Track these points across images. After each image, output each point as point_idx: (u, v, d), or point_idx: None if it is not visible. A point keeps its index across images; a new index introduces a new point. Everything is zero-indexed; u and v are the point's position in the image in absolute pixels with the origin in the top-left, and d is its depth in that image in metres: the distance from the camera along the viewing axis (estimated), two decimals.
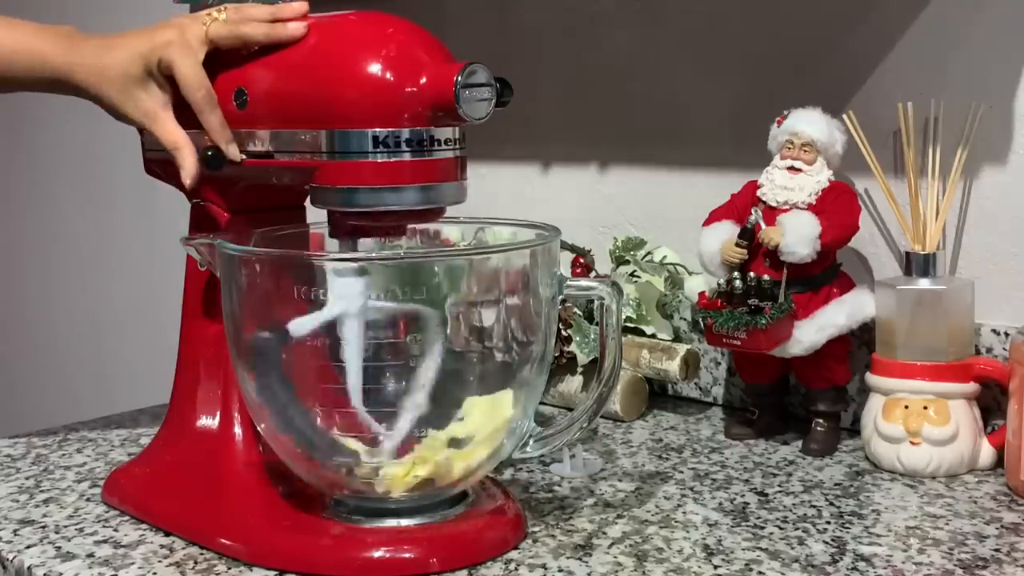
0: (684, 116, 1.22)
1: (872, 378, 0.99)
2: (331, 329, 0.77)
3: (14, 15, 0.93)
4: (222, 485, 0.85)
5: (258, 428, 0.83)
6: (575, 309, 1.16)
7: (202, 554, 0.82)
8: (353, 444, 0.78)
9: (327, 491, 0.83)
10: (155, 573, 0.79)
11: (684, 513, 0.88)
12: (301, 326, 0.77)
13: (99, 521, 0.90)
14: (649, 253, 1.21)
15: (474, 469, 0.81)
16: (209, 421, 0.88)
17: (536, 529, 0.85)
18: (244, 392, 0.82)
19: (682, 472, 0.98)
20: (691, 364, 1.13)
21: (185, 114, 0.85)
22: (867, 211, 1.07)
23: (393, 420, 0.78)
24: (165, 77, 0.85)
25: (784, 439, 1.06)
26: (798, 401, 1.10)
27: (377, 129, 0.76)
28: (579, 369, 1.16)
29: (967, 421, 0.96)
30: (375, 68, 0.76)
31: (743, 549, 0.81)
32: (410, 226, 0.84)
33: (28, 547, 0.84)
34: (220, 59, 0.85)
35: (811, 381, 1.04)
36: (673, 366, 1.12)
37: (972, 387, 0.97)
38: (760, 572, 0.77)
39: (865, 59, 1.08)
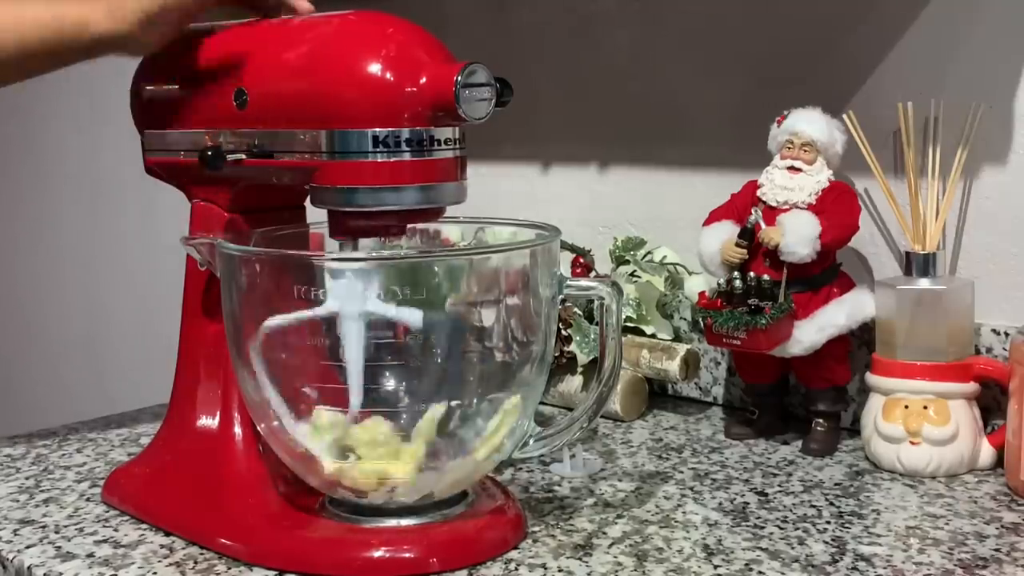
0: (684, 116, 1.22)
1: (872, 378, 0.99)
2: (331, 329, 0.77)
3: None
4: (222, 485, 0.85)
5: (258, 428, 0.83)
6: (575, 309, 1.16)
7: (202, 554, 0.82)
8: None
9: (326, 491, 0.83)
10: (155, 573, 0.79)
11: (684, 513, 0.88)
12: (275, 322, 0.77)
13: (99, 521, 0.90)
14: (649, 253, 1.21)
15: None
16: (209, 421, 0.88)
17: (536, 529, 0.85)
18: (244, 392, 0.82)
19: (682, 472, 0.98)
20: (691, 364, 1.13)
21: (183, 115, 0.85)
22: (867, 211, 1.08)
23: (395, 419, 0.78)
24: None
25: (784, 439, 1.06)
26: (798, 401, 1.10)
27: (377, 129, 0.76)
28: (579, 369, 1.16)
29: (967, 421, 0.96)
30: (375, 68, 0.76)
31: (743, 549, 0.81)
32: (410, 226, 0.84)
33: (28, 547, 0.84)
34: (220, 59, 0.85)
35: (811, 381, 1.04)
36: (673, 366, 1.12)
37: (972, 387, 0.97)
38: (760, 572, 0.77)
39: (865, 59, 1.08)
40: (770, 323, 0.97)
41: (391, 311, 0.76)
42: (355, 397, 0.77)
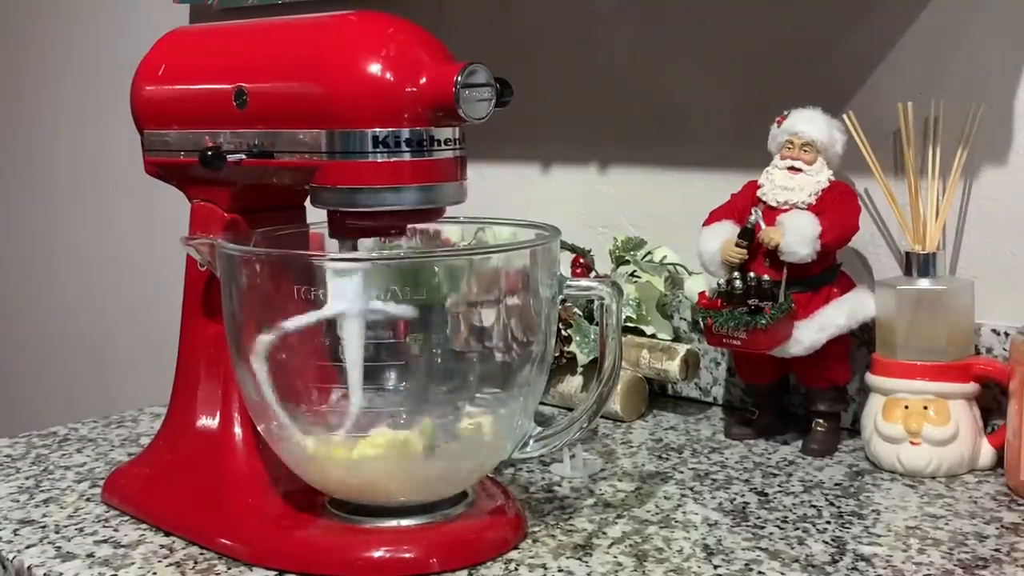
0: (684, 116, 1.22)
1: (872, 378, 0.99)
2: (332, 329, 0.77)
3: (17, 15, 0.92)
4: (222, 485, 0.85)
5: (258, 428, 0.83)
6: (575, 309, 1.16)
7: (202, 554, 0.82)
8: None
9: (327, 491, 0.83)
10: (155, 573, 0.79)
11: (684, 513, 0.88)
12: (296, 322, 0.77)
13: (99, 521, 0.90)
14: (649, 253, 1.21)
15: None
16: (209, 421, 0.88)
17: (536, 529, 0.85)
18: (244, 392, 0.82)
19: (682, 472, 0.98)
20: (691, 364, 1.13)
21: (183, 115, 0.85)
22: (867, 211, 1.08)
23: (394, 419, 0.78)
24: None
25: (784, 439, 1.06)
26: (798, 401, 1.10)
27: (377, 129, 0.76)
28: (579, 369, 1.16)
29: (967, 421, 0.96)
30: (375, 68, 0.76)
31: (743, 549, 0.81)
32: (410, 226, 0.84)
33: (28, 547, 0.85)
34: (220, 59, 0.85)
35: (811, 381, 1.04)
36: (673, 366, 1.12)
37: (972, 387, 0.97)
38: (760, 572, 0.77)
39: (865, 59, 1.08)
40: (770, 323, 0.97)
41: (391, 309, 0.76)
42: (356, 396, 0.77)
